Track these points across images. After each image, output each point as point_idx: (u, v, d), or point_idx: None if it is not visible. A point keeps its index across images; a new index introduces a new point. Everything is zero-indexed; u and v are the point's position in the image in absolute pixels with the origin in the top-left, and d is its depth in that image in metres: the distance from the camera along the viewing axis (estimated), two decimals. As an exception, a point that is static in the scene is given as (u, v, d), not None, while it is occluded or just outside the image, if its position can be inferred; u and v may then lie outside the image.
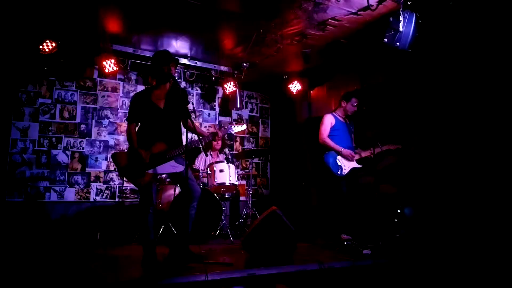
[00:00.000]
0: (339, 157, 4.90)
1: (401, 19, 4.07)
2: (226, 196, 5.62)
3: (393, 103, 5.30)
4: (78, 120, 6.10)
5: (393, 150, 4.87)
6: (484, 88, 4.17)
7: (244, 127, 4.22)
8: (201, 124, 7.02)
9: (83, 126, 6.12)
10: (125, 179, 4.80)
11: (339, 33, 5.13)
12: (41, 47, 5.00)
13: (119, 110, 6.39)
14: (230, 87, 6.54)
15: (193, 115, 6.48)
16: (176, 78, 6.22)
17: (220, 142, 6.17)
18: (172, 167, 3.70)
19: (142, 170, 3.61)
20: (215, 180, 5.32)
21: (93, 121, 6.21)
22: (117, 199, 6.19)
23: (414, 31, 4.11)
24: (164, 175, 5.17)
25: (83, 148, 6.10)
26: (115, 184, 6.23)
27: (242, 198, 6.18)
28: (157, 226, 4.96)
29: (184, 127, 3.82)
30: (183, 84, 6.81)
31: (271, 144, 7.73)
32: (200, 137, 3.71)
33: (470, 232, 4.04)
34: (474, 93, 4.26)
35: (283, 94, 6.91)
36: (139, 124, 3.82)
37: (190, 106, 3.85)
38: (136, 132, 3.76)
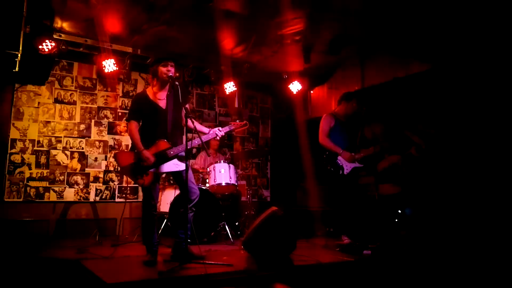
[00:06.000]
0: (339, 157, 4.89)
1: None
2: (226, 196, 5.60)
3: (394, 103, 5.30)
4: (77, 120, 6.08)
5: (392, 148, 4.87)
6: (486, 89, 4.16)
7: (245, 125, 4.20)
8: (200, 124, 6.99)
9: (82, 126, 6.11)
10: (125, 178, 4.80)
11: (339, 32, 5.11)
12: (40, 47, 4.98)
13: (118, 110, 6.37)
14: (230, 87, 6.53)
15: (193, 114, 6.47)
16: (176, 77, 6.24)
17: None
18: (175, 165, 3.73)
19: (144, 169, 3.61)
20: (215, 180, 5.30)
21: (93, 121, 6.19)
22: (116, 199, 6.18)
23: None
24: (164, 175, 5.16)
25: (82, 148, 6.08)
26: (114, 184, 6.22)
27: (242, 198, 6.17)
28: (157, 227, 4.94)
29: (185, 127, 3.80)
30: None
31: (271, 144, 7.72)
32: (201, 136, 3.71)
33: (471, 232, 4.03)
34: (475, 95, 4.25)
35: (283, 94, 6.89)
36: (141, 123, 3.82)
37: (190, 106, 3.85)
38: (138, 131, 3.76)
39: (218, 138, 3.99)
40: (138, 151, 3.64)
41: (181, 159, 3.76)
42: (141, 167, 3.62)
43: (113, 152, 6.19)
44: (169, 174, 4.33)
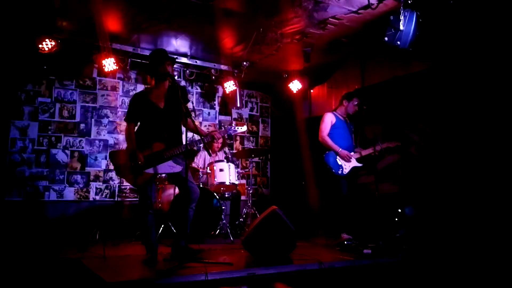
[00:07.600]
0: (338, 157, 4.89)
1: (402, 18, 4.06)
2: (226, 195, 5.61)
3: (394, 102, 5.30)
4: (77, 119, 6.08)
5: (392, 147, 4.87)
6: (486, 88, 4.15)
7: (244, 128, 4.21)
8: (201, 123, 7.00)
9: (82, 125, 6.11)
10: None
11: (339, 32, 5.11)
12: (40, 46, 4.98)
13: (118, 109, 6.37)
14: (230, 86, 6.53)
15: (193, 114, 6.47)
16: (176, 77, 6.23)
17: (220, 141, 6.15)
18: (170, 167, 3.68)
19: (139, 170, 3.59)
20: (215, 179, 5.30)
21: (93, 120, 6.19)
22: (116, 199, 6.18)
23: (414, 30, 4.10)
24: (163, 175, 5.15)
25: (82, 147, 6.08)
26: (114, 183, 6.22)
27: (242, 197, 6.17)
28: (157, 226, 4.94)
29: (184, 126, 3.79)
30: (182, 83, 6.79)
31: (271, 143, 7.71)
32: (202, 137, 3.69)
33: (471, 231, 4.03)
34: (475, 94, 4.24)
35: (283, 93, 6.89)
36: (138, 123, 3.80)
37: (189, 105, 3.83)
38: (135, 132, 3.74)
39: (216, 138, 3.98)
40: (131, 152, 3.61)
41: (177, 160, 3.73)
42: (134, 166, 3.60)
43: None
44: (166, 175, 4.31)
